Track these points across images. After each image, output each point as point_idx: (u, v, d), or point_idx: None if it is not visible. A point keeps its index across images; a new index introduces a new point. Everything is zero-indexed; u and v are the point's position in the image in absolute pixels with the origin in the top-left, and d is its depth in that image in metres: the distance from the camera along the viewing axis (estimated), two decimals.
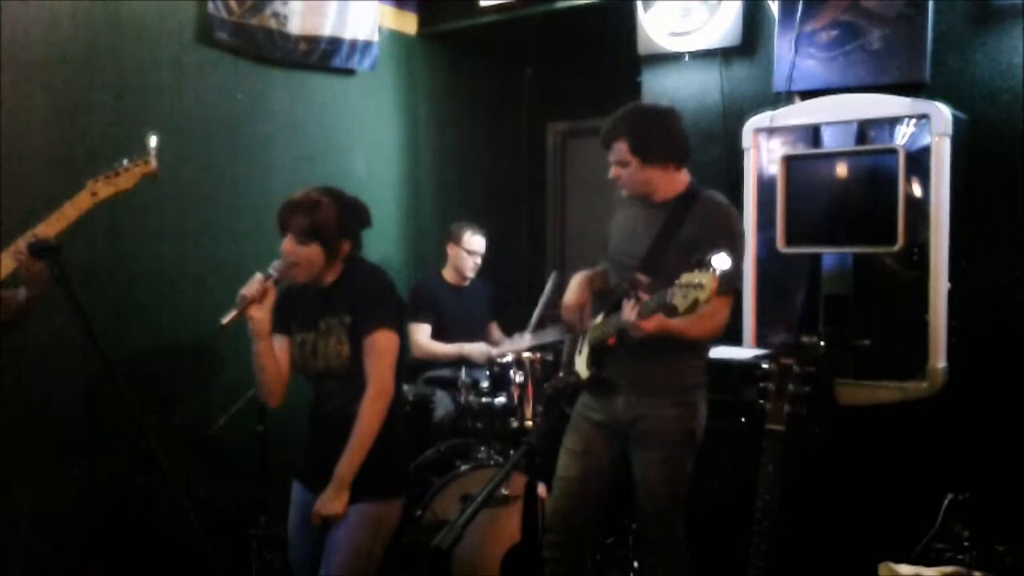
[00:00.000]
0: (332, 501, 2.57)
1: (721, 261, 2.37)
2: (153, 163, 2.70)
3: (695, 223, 2.84)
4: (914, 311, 3.33)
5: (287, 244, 2.64)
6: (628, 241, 2.99)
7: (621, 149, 2.86)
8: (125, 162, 2.70)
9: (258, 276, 2.63)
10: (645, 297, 2.64)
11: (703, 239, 2.70)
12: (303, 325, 2.72)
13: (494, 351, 4.26)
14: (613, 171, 2.93)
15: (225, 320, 2.59)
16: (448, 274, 4.66)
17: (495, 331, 4.73)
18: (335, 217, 2.65)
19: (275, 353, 2.71)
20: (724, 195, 3.00)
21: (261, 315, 2.62)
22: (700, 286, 2.33)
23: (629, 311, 2.67)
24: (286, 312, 2.76)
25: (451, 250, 4.62)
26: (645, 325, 2.64)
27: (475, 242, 4.57)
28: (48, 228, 2.56)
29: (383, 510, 2.67)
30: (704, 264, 2.36)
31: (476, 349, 4.34)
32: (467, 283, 4.65)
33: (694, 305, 2.36)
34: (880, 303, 3.49)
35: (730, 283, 2.80)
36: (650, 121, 2.91)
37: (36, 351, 3.36)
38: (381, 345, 2.63)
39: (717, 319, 2.81)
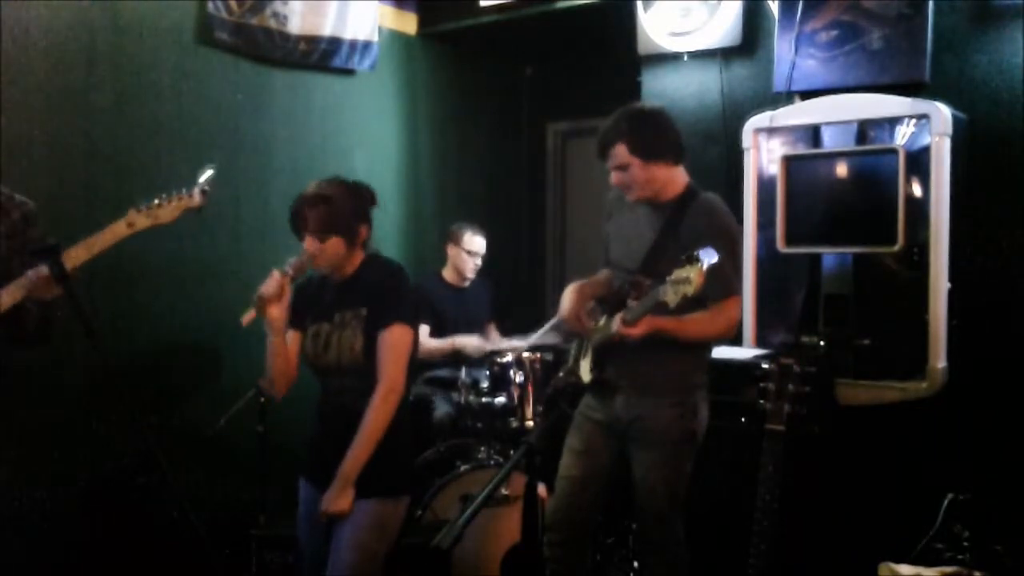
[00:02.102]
0: (337, 498, 2.57)
1: (708, 255, 2.40)
2: (197, 197, 2.65)
3: (691, 225, 2.85)
4: (914, 311, 3.33)
5: (309, 244, 2.65)
6: (628, 245, 3.00)
7: (620, 152, 2.86)
8: (173, 193, 2.65)
9: (275, 274, 2.64)
10: (635, 304, 2.67)
11: (698, 242, 2.71)
12: (318, 317, 2.73)
13: (487, 345, 4.26)
14: (614, 177, 2.93)
15: (244, 319, 2.61)
16: (448, 274, 4.66)
17: (494, 332, 4.73)
18: (349, 206, 2.67)
19: (287, 348, 2.72)
20: (724, 195, 3.01)
21: (278, 313, 2.65)
22: (687, 280, 2.40)
23: (615, 323, 2.71)
24: (301, 307, 2.77)
25: (451, 250, 4.62)
26: (632, 332, 2.68)
27: (475, 243, 4.57)
28: (79, 254, 2.53)
29: (389, 508, 2.67)
30: (692, 259, 2.40)
31: (469, 342, 4.34)
32: (466, 283, 4.65)
33: (683, 299, 2.44)
34: (880, 303, 3.49)
35: (728, 287, 2.81)
36: (644, 119, 2.92)
37: (36, 351, 3.36)
38: (395, 340, 2.63)
39: (720, 321, 2.82)
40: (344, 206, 2.66)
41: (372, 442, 2.58)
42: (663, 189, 2.92)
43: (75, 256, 2.51)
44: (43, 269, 2.48)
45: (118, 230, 2.59)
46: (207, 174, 2.68)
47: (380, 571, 2.65)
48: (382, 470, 2.61)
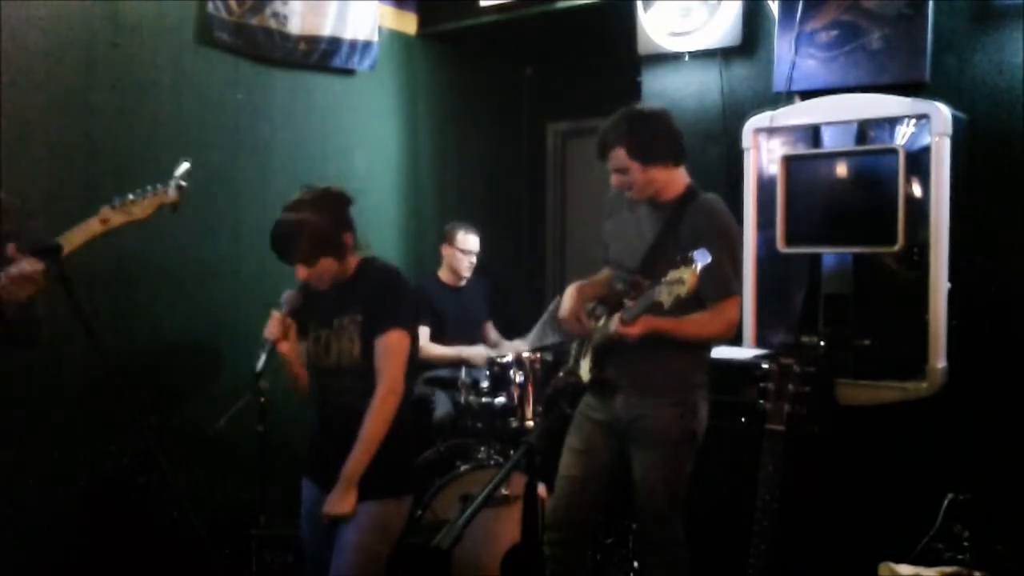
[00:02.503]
0: (340, 500, 2.57)
1: (702, 256, 2.41)
2: (172, 193, 2.58)
3: (690, 226, 2.86)
4: (914, 311, 3.33)
5: (300, 273, 2.65)
6: (628, 245, 3.01)
7: (619, 156, 2.86)
8: (147, 189, 2.62)
9: (275, 315, 2.66)
10: (631, 305, 2.68)
11: (697, 243, 2.71)
12: (319, 322, 2.74)
13: (494, 353, 4.26)
14: (614, 179, 2.93)
15: (259, 367, 2.63)
16: (444, 275, 4.66)
17: (491, 331, 4.73)
18: (328, 223, 2.64)
19: (303, 365, 2.76)
20: (724, 195, 3.01)
21: (288, 348, 2.68)
22: (681, 281, 2.41)
23: (614, 323, 2.72)
24: (302, 315, 2.77)
25: (446, 251, 4.62)
26: (630, 331, 2.68)
27: (469, 241, 4.57)
28: None
29: (392, 509, 2.67)
30: (687, 260, 2.42)
31: (476, 353, 4.35)
32: (463, 283, 4.65)
33: (677, 300, 2.45)
34: (880, 303, 3.49)
35: (727, 287, 2.81)
36: (643, 122, 2.90)
37: (36, 351, 3.36)
38: (393, 344, 2.63)
39: (719, 321, 2.82)
40: (323, 226, 2.62)
41: (373, 444, 2.59)
42: (663, 190, 2.92)
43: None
44: (12, 270, 2.42)
45: (91, 228, 2.53)
46: (182, 168, 2.62)
47: (383, 572, 2.65)
48: (384, 471, 2.61)
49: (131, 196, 2.57)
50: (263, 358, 2.63)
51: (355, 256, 2.74)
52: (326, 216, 2.64)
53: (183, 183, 2.61)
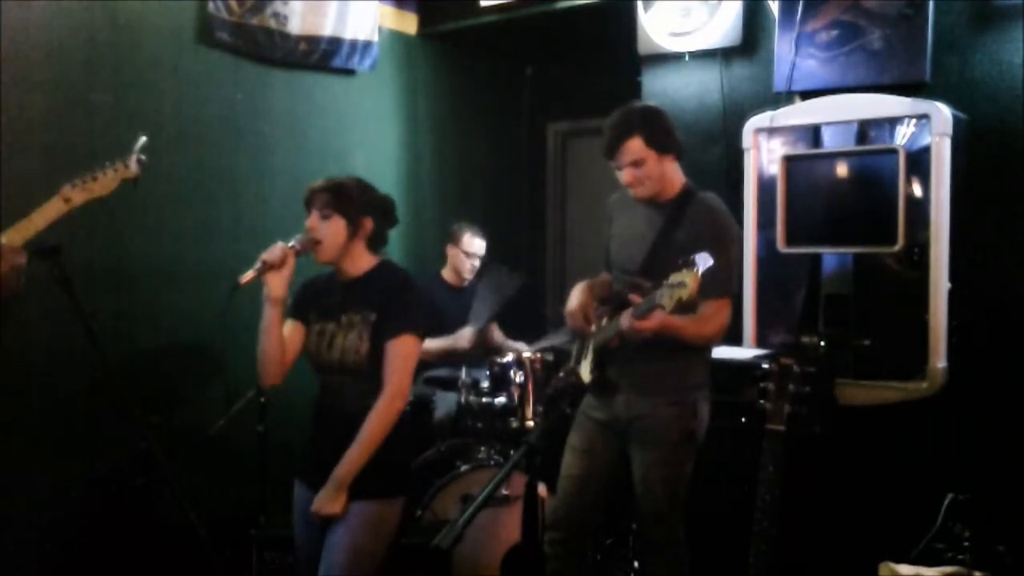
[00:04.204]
0: (330, 501, 2.56)
1: (703, 260, 2.42)
2: (133, 167, 2.60)
3: (690, 226, 2.86)
4: (914, 311, 3.33)
5: (311, 220, 2.66)
6: (628, 246, 3.01)
7: (635, 147, 2.86)
8: (107, 165, 2.61)
9: (279, 244, 2.63)
10: (639, 301, 2.68)
11: (697, 243, 2.72)
12: (323, 315, 2.72)
13: (476, 329, 4.23)
14: (627, 175, 2.92)
15: (242, 279, 2.59)
16: (447, 275, 4.66)
17: (496, 332, 4.73)
18: (357, 194, 2.69)
19: (282, 329, 2.70)
20: (724, 195, 3.02)
21: (278, 282, 2.62)
22: (683, 285, 2.41)
23: (625, 319, 2.72)
24: (306, 300, 2.76)
25: (450, 251, 4.62)
26: (645, 325, 2.66)
27: (474, 244, 4.57)
28: (15, 235, 2.47)
29: (383, 509, 2.65)
30: (688, 264, 2.42)
31: (461, 336, 4.32)
32: (466, 284, 4.65)
33: (678, 304, 2.45)
34: (880, 303, 3.49)
35: (724, 287, 2.81)
36: (655, 113, 2.96)
37: (36, 351, 3.36)
38: (406, 349, 2.63)
39: (713, 324, 2.83)
40: (352, 192, 2.68)
41: (370, 447, 2.57)
42: (665, 187, 2.93)
43: (9, 240, 2.45)
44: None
45: (53, 208, 2.54)
46: (140, 142, 2.64)
47: (379, 572, 2.64)
48: (377, 472, 2.60)
49: (91, 174, 2.58)
50: (249, 275, 2.59)
51: (367, 253, 2.74)
52: (360, 190, 2.71)
53: (142, 157, 2.62)
